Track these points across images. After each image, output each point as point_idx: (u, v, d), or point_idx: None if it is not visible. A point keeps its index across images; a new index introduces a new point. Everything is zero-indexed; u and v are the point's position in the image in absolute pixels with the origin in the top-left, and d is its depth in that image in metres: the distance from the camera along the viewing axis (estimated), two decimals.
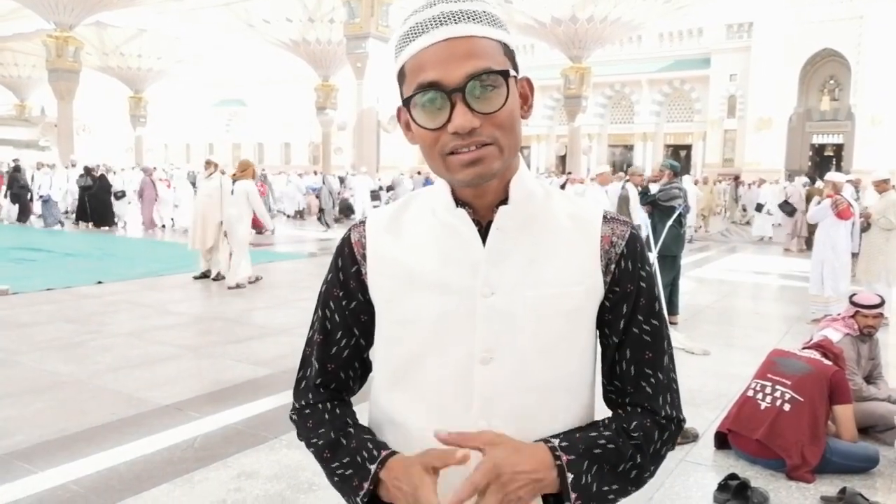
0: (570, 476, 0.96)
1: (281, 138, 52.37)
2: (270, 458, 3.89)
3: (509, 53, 0.98)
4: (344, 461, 1.05)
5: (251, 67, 49.64)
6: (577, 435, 1.01)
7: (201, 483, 3.55)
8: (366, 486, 1.01)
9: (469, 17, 0.94)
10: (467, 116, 0.92)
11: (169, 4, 30.78)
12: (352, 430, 1.09)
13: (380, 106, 27.30)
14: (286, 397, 4.85)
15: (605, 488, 1.00)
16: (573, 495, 0.96)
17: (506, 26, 0.99)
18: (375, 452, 1.02)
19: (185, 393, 4.97)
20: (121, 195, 18.14)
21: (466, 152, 0.94)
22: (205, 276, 10.05)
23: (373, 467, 1.01)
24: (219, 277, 9.94)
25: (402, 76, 0.99)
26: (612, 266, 1.04)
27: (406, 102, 0.97)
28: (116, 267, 11.04)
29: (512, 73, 0.97)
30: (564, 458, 0.96)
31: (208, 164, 10.50)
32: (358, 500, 1.02)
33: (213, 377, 5.40)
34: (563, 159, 36.40)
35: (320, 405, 1.13)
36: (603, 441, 1.00)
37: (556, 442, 0.98)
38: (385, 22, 25.75)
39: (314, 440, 1.10)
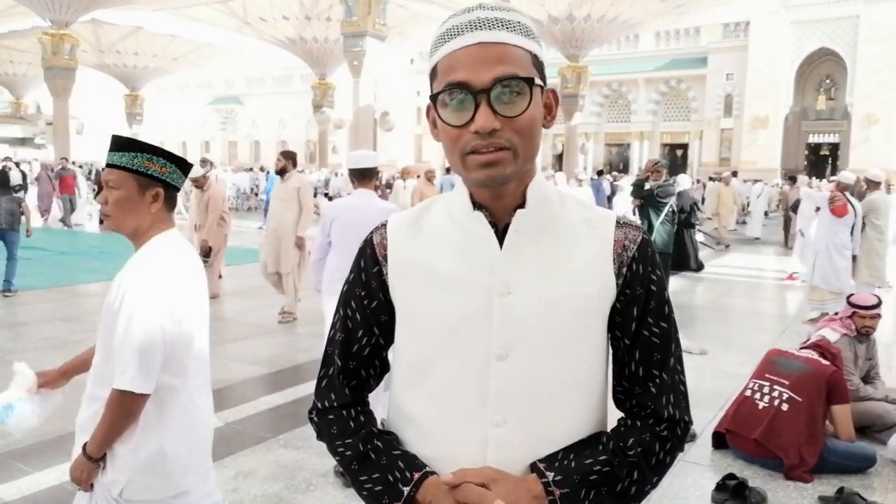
0: None
1: (277, 136, 52.34)
2: (268, 457, 3.87)
3: (538, 64, 1.03)
4: (374, 476, 1.08)
5: (247, 66, 49.58)
6: (573, 464, 1.03)
7: None
8: None
9: (503, 26, 1.00)
10: (489, 117, 0.97)
11: (165, 2, 30.65)
12: (379, 442, 1.11)
13: (377, 104, 27.26)
14: (284, 397, 4.85)
15: None
16: None
17: (538, 39, 1.05)
18: (408, 474, 1.05)
19: None
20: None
21: (484, 153, 0.98)
22: None
23: (406, 489, 1.03)
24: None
25: (433, 74, 1.04)
26: (624, 269, 1.07)
27: (434, 98, 1.02)
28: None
29: (538, 82, 1.01)
30: (557, 492, 1.00)
31: (204, 162, 10.47)
32: None
33: (210, 376, 5.37)
34: (559, 158, 36.41)
35: (344, 411, 1.15)
36: (598, 466, 1.03)
37: (550, 476, 1.01)
38: (382, 20, 25.64)
39: (340, 449, 1.13)
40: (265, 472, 3.69)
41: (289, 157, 7.44)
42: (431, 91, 1.04)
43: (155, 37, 38.02)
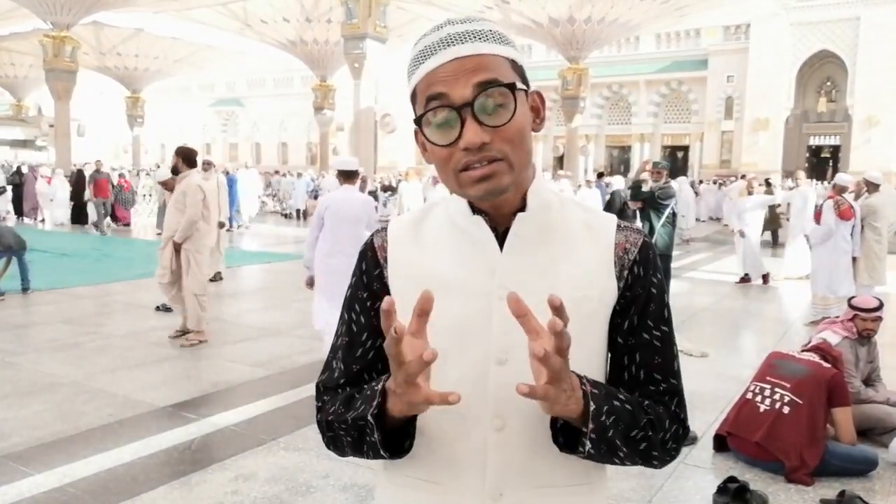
0: (592, 406, 0.95)
1: (278, 138, 52.35)
2: (268, 460, 3.87)
3: (518, 69, 1.01)
4: (357, 405, 1.03)
5: (248, 68, 49.59)
6: (601, 385, 1.00)
7: (198, 485, 3.54)
8: (375, 402, 0.98)
9: (475, 37, 0.98)
10: (477, 131, 0.95)
11: (166, 4, 30.66)
12: (365, 385, 1.06)
13: (377, 106, 27.26)
14: (284, 399, 4.85)
15: (618, 442, 0.98)
16: (591, 425, 0.95)
17: (513, 43, 1.03)
18: (383, 378, 1.00)
19: (182, 395, 4.96)
20: (1, 191, 18.91)
21: (478, 168, 0.97)
22: None
23: (379, 386, 0.98)
24: (216, 278, 9.91)
25: (414, 98, 1.03)
26: (626, 272, 1.07)
27: (418, 122, 1.00)
28: (113, 268, 11.02)
29: (520, 86, 0.99)
30: (589, 387, 0.96)
31: (206, 164, 10.46)
32: (369, 417, 0.98)
33: (211, 379, 5.38)
34: (560, 160, 36.42)
35: (340, 390, 1.12)
36: (623, 397, 1.00)
37: (582, 377, 0.97)
38: (382, 22, 25.67)
39: (331, 408, 1.08)
40: (265, 474, 3.69)
41: (181, 155, 6.40)
42: (415, 114, 1.02)
43: (156, 39, 38.02)
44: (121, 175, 20.46)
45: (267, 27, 32.65)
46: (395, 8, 26.70)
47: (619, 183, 16.75)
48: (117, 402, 4.79)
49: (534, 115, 1.05)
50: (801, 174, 13.27)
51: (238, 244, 14.60)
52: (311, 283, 5.53)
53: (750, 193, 11.05)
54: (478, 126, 0.95)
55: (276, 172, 29.44)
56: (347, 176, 5.54)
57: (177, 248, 6.35)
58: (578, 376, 0.96)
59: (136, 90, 40.56)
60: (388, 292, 1.11)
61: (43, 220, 19.20)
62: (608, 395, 0.98)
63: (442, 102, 0.96)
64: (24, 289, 8.65)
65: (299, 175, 25.65)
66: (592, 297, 1.05)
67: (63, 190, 19.35)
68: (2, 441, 4.05)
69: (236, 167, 24.26)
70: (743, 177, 18.45)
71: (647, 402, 1.04)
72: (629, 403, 1.01)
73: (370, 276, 1.13)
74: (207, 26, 34.25)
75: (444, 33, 0.99)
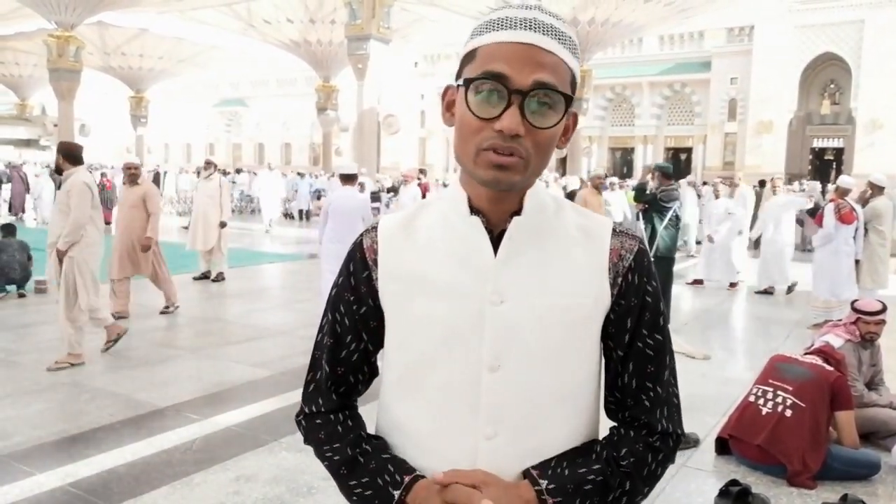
0: None
1: (281, 139, 52.41)
2: (270, 461, 3.87)
3: (573, 85, 1.00)
4: (363, 481, 1.07)
5: (252, 68, 49.68)
6: (567, 472, 1.01)
7: (200, 486, 3.54)
8: None
9: (557, 36, 0.97)
10: (517, 120, 0.94)
11: (170, 5, 30.73)
12: (368, 447, 1.10)
13: (381, 107, 27.27)
14: (286, 399, 4.85)
15: None
16: None
17: (579, 59, 1.03)
18: (398, 477, 1.04)
19: (183, 394, 4.96)
20: None
21: (500, 155, 0.96)
22: (204, 276, 10.02)
23: (397, 493, 1.02)
24: (218, 278, 9.92)
25: (470, 56, 1.00)
26: (620, 279, 1.05)
27: (467, 83, 0.98)
28: None
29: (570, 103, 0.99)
30: (550, 501, 0.99)
31: (208, 164, 10.48)
32: None
33: (213, 379, 5.38)
34: (563, 161, 36.40)
35: (332, 415, 1.14)
36: (592, 476, 1.02)
37: (543, 484, 0.99)
38: (386, 23, 25.67)
39: (329, 454, 1.11)
40: (267, 475, 3.69)
41: (62, 151, 5.64)
42: (460, 73, 1.00)
43: (160, 39, 38.11)
44: (103, 174, 20.44)
45: (271, 28, 32.72)
46: (398, 9, 26.72)
47: (574, 183, 17.22)
48: (119, 401, 4.79)
49: (562, 132, 1.03)
50: (740, 176, 13.20)
51: (240, 245, 14.60)
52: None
53: (717, 197, 10.94)
54: (519, 116, 0.94)
55: (297, 174, 29.33)
56: (348, 178, 6.48)
57: (60, 257, 5.46)
58: (538, 490, 0.99)
59: (140, 90, 40.64)
60: (375, 296, 1.10)
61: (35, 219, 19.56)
62: (576, 488, 1.00)
63: (498, 79, 0.95)
64: (21, 294, 8.53)
65: (302, 176, 25.67)
66: (585, 304, 1.04)
67: (48, 189, 19.46)
68: (4, 440, 4.06)
69: (257, 168, 24.27)
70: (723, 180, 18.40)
71: (623, 451, 1.04)
72: (602, 473, 1.02)
73: (357, 279, 1.11)
74: (211, 27, 34.34)
75: (531, 15, 0.97)
